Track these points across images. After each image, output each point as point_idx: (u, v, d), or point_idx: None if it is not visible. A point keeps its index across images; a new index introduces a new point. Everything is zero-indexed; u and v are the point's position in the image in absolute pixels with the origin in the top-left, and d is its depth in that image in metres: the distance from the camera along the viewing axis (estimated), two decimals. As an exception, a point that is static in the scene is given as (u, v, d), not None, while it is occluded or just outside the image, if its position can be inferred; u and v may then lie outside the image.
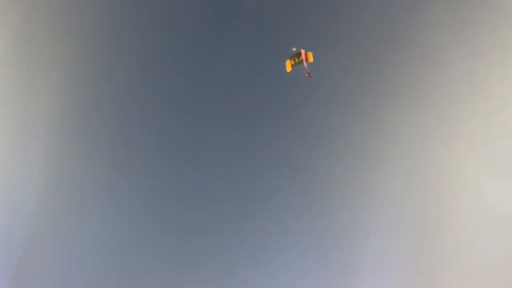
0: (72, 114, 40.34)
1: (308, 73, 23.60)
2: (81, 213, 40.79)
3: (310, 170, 45.25)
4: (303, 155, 45.74)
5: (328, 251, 43.60)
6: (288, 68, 23.69)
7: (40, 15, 40.20)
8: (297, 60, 23.36)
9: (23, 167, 39.39)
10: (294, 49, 23.29)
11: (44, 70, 39.99)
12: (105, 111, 41.70)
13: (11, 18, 39.40)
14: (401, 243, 46.24)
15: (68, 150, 40.77)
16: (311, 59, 23.50)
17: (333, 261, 43.71)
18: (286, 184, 45.66)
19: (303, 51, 23.03)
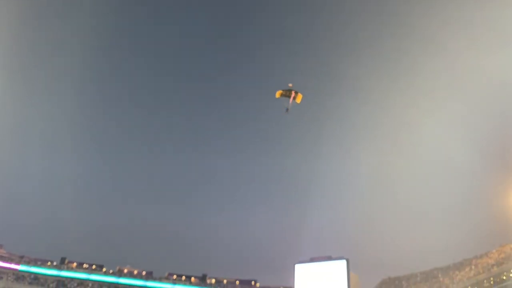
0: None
1: (288, 109, 27.23)
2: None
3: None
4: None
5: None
6: (277, 95, 27.42)
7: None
8: (287, 93, 27.01)
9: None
10: (290, 85, 26.84)
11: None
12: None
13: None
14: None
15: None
16: (298, 100, 27.27)
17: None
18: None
19: (293, 92, 26.81)
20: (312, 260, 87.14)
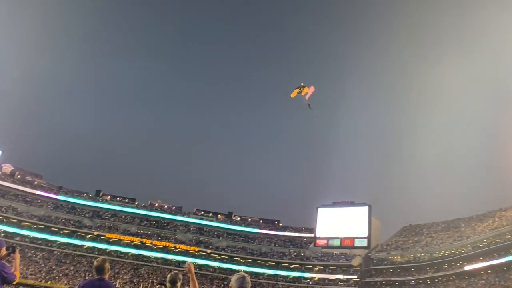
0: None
1: (309, 104, 28.76)
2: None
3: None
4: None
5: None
6: (293, 94, 28.66)
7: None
8: (301, 90, 28.33)
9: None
10: (302, 84, 28.23)
11: None
12: None
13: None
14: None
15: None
16: (310, 92, 28.56)
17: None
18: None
19: (306, 88, 28.19)
20: (334, 204, 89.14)
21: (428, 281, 71.65)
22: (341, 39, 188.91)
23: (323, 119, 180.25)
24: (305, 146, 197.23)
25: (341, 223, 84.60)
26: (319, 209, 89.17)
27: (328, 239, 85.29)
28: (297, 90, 28.05)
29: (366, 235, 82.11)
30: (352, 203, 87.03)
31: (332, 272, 80.00)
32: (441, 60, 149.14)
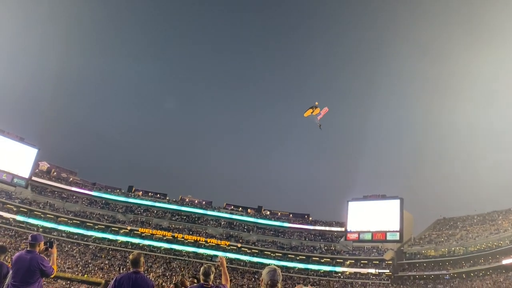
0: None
1: (320, 125, 28.60)
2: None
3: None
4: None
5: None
6: (306, 114, 28.45)
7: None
8: (314, 110, 28.24)
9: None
10: (317, 103, 28.14)
11: None
12: None
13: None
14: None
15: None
16: (318, 111, 28.52)
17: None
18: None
19: (318, 109, 28.07)
20: (365, 198, 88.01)
21: (464, 275, 69.94)
22: (368, 30, 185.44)
23: (353, 113, 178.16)
24: (335, 140, 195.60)
25: (372, 217, 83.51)
26: (350, 203, 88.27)
27: (359, 233, 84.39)
28: (311, 110, 28.07)
29: (398, 228, 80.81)
30: (383, 197, 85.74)
31: (364, 266, 79.19)
32: (477, 52, 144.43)
